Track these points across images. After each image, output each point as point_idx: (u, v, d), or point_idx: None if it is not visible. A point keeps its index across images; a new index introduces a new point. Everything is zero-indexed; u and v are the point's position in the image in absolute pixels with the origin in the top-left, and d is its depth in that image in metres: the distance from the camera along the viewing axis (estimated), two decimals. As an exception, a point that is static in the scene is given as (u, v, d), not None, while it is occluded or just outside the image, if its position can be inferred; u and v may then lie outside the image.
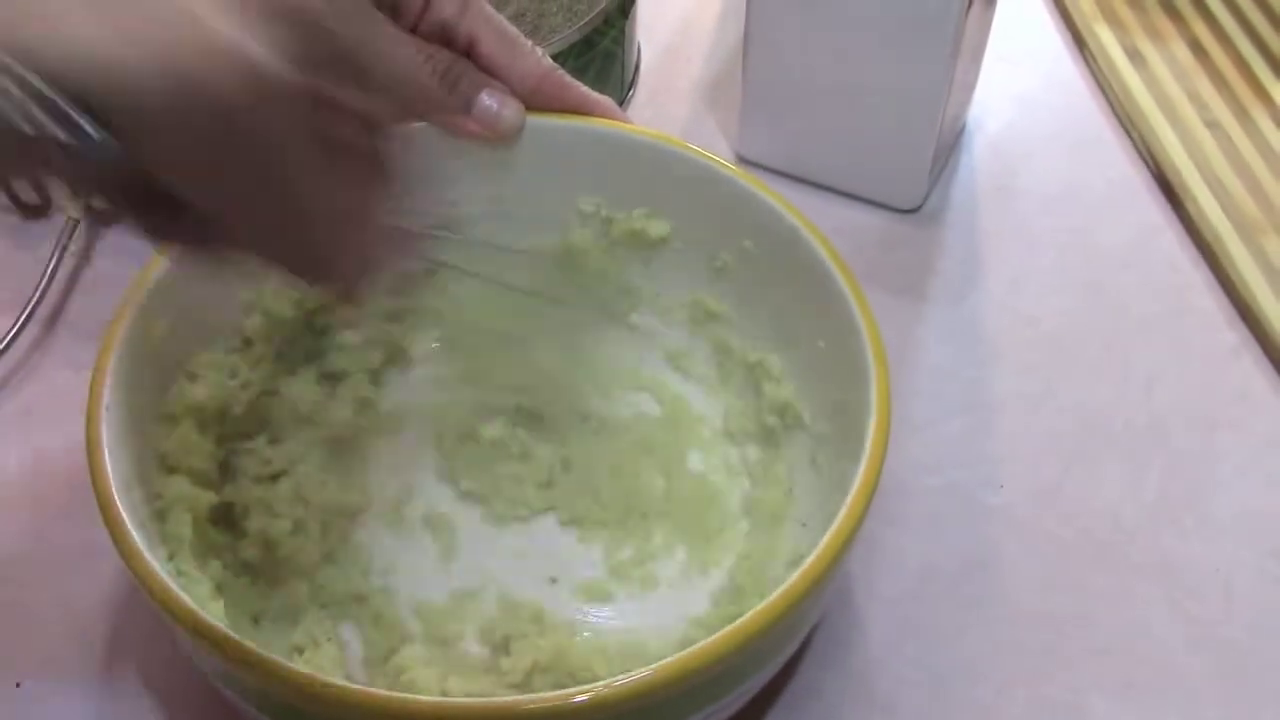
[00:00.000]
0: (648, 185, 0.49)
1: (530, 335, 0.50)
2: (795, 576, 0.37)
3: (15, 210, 0.59)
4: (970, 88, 0.63)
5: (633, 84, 0.66)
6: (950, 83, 0.56)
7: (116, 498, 0.38)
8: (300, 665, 0.37)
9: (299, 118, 0.30)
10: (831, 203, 0.61)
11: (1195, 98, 0.65)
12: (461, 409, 0.50)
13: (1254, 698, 0.45)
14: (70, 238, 0.56)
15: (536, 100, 0.48)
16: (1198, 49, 0.67)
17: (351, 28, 0.32)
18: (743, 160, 0.62)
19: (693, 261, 0.50)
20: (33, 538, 0.48)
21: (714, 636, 0.35)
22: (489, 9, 0.47)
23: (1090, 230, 0.61)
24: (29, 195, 0.59)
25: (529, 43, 0.48)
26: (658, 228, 0.50)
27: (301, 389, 0.48)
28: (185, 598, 0.36)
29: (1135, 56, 0.67)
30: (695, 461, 0.50)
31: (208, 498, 0.43)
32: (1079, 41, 0.69)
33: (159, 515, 0.42)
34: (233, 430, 0.47)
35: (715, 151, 0.49)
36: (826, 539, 0.37)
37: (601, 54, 0.60)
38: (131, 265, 0.44)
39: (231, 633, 0.35)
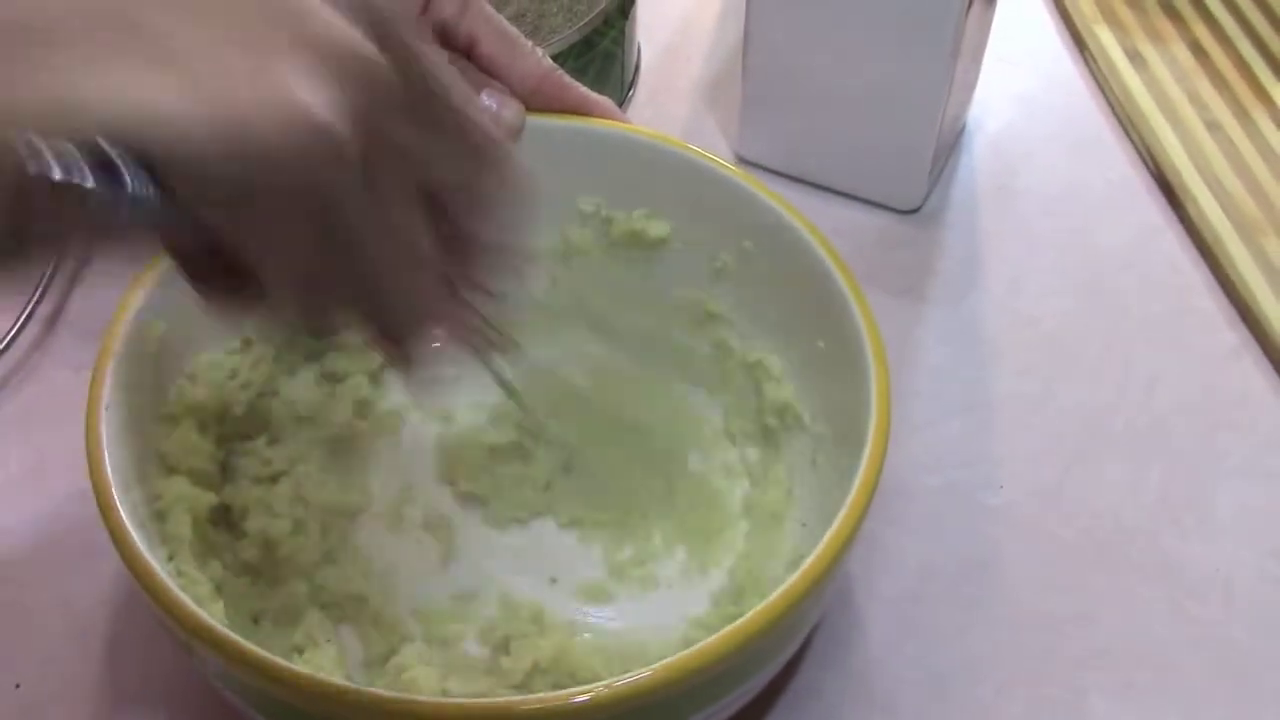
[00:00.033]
0: (648, 185, 0.49)
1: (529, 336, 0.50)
2: (795, 576, 0.37)
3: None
4: (970, 88, 0.63)
5: (633, 84, 0.66)
6: (950, 83, 0.56)
7: (116, 498, 0.38)
8: (300, 665, 0.37)
9: (357, 175, 0.28)
10: (831, 203, 0.61)
11: (1195, 99, 0.65)
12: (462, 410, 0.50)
13: (1254, 698, 0.45)
14: (70, 238, 0.56)
15: (536, 101, 0.48)
16: (1198, 50, 0.67)
17: (417, 80, 0.30)
18: (743, 160, 0.62)
19: (692, 262, 0.50)
20: (33, 538, 0.48)
21: (714, 637, 0.35)
22: (489, 9, 0.47)
23: (1090, 231, 0.61)
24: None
25: (529, 43, 0.48)
26: (658, 228, 0.50)
27: (301, 389, 0.48)
28: (185, 598, 0.36)
29: (1135, 58, 0.67)
30: (695, 462, 0.50)
31: (208, 498, 0.43)
32: (1079, 42, 0.69)
33: (159, 515, 0.42)
34: (233, 431, 0.47)
35: (715, 151, 0.49)
36: (826, 539, 0.37)
37: (601, 54, 0.60)
38: (131, 265, 0.44)
39: (231, 633, 0.35)
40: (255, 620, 0.44)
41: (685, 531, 0.48)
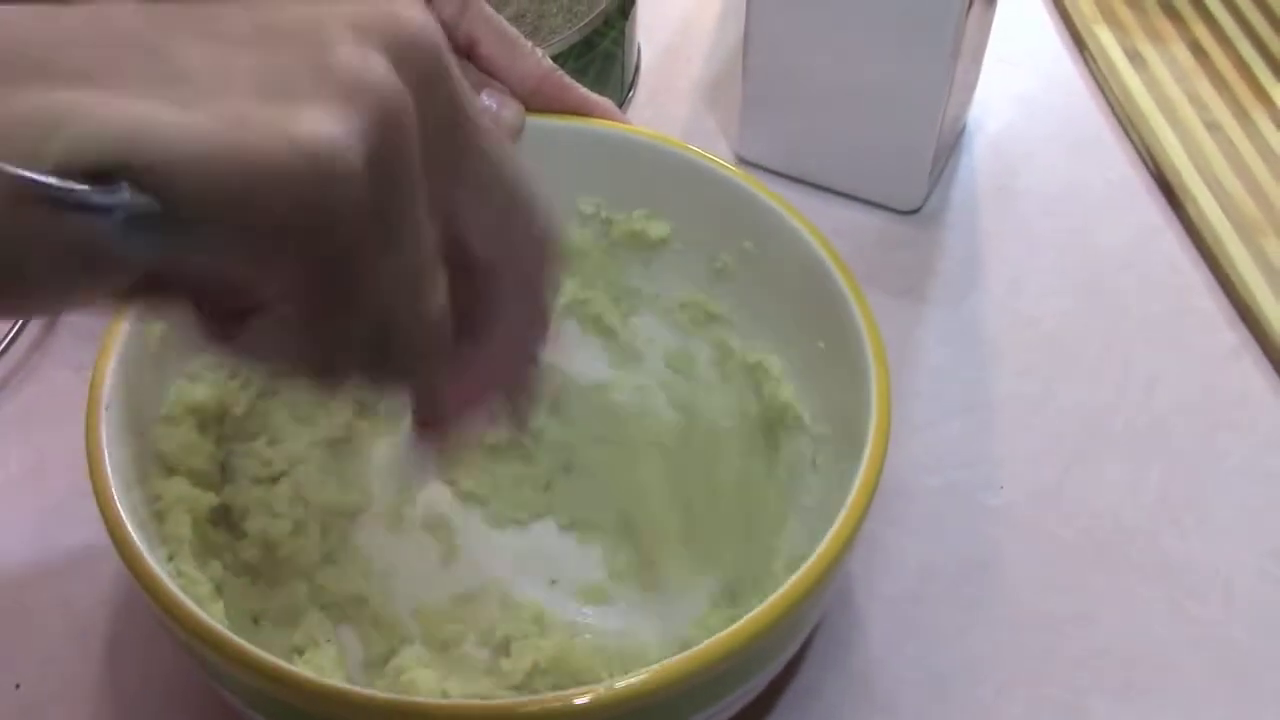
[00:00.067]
0: (648, 186, 0.49)
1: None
2: (795, 577, 0.37)
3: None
4: (970, 88, 0.63)
5: (633, 84, 0.66)
6: (950, 83, 0.56)
7: (116, 498, 0.38)
8: (300, 666, 0.37)
9: (364, 205, 0.27)
10: (831, 203, 0.61)
11: (1195, 99, 0.65)
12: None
13: (1254, 698, 0.45)
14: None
15: (536, 101, 0.48)
16: (1198, 50, 0.67)
17: (445, 120, 0.29)
18: (743, 161, 0.62)
19: (693, 262, 0.50)
20: (33, 538, 0.48)
21: (714, 638, 0.35)
22: (489, 10, 0.47)
23: (1090, 231, 0.61)
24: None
25: (529, 44, 0.48)
26: (658, 229, 0.50)
27: (301, 389, 0.48)
28: (185, 598, 0.36)
29: (1135, 58, 0.67)
30: (695, 462, 0.50)
31: (208, 498, 0.43)
32: (1079, 42, 0.69)
33: (159, 516, 0.42)
34: (232, 431, 0.47)
35: (715, 152, 0.49)
36: (826, 539, 0.37)
37: (601, 55, 0.60)
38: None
39: (231, 633, 0.35)
40: (255, 621, 0.44)
41: (685, 532, 0.48)
